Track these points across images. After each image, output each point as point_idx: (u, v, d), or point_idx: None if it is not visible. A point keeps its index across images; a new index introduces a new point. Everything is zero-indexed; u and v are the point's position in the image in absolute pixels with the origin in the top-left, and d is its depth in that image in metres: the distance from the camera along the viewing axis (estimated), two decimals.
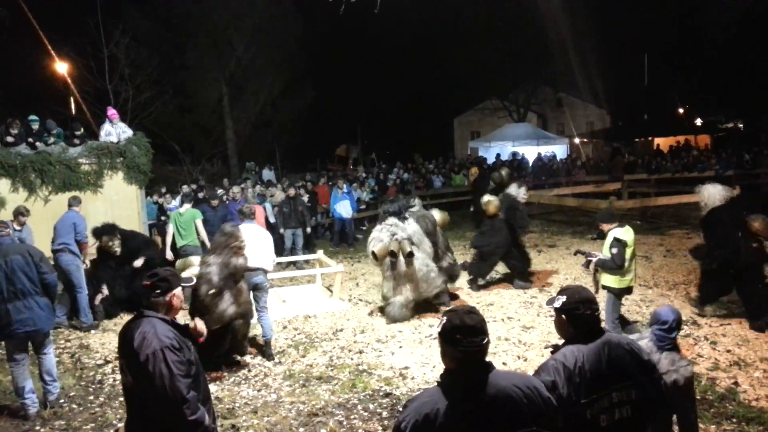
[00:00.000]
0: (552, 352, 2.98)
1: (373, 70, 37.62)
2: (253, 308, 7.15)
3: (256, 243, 7.23)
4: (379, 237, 8.28)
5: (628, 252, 6.49)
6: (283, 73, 27.46)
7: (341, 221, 14.20)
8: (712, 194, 7.67)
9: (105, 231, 8.88)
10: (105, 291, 8.88)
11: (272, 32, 26.50)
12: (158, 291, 3.27)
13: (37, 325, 5.58)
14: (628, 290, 6.75)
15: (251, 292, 7.20)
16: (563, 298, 2.97)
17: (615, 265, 6.46)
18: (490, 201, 9.48)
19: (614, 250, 6.46)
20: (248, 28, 25.69)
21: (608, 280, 6.65)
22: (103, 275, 8.89)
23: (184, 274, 5.95)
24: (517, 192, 10.00)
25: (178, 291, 3.35)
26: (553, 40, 28.69)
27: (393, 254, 8.13)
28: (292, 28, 27.24)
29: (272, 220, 12.33)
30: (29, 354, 5.77)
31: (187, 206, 10.34)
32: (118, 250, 8.84)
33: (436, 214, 9.21)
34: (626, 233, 6.59)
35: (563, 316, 2.96)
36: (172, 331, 3.20)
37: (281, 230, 12.28)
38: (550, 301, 3.06)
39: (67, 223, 8.33)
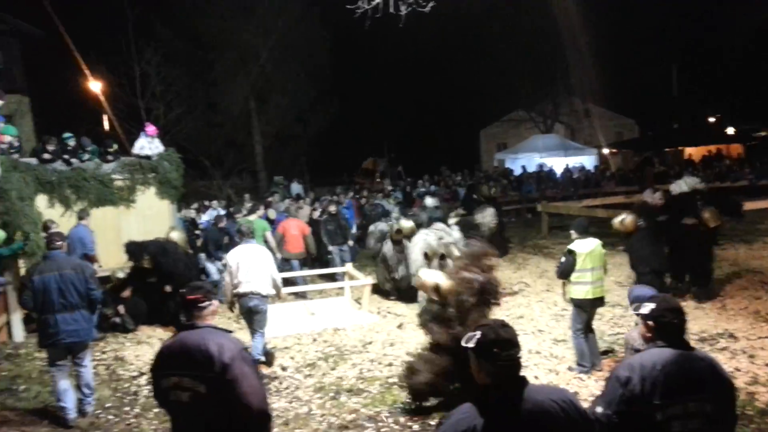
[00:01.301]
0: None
1: (399, 83, 37.74)
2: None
3: (253, 265, 7.00)
4: (428, 240, 8.70)
5: (579, 263, 6.36)
6: (310, 88, 27.77)
7: None
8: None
9: (132, 254, 9.09)
10: (126, 293, 9.10)
11: (299, 47, 26.83)
12: (207, 303, 3.33)
13: (81, 337, 5.79)
14: (590, 302, 6.50)
15: (247, 315, 7.08)
16: (651, 306, 3.04)
17: (559, 274, 6.58)
18: (625, 218, 8.71)
19: (562, 259, 6.55)
20: (275, 43, 26.05)
21: (570, 290, 6.59)
22: (133, 285, 9.13)
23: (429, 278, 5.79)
24: (653, 197, 9.73)
25: (216, 300, 3.45)
26: (580, 51, 28.49)
27: (443, 257, 8.51)
28: (319, 43, 27.55)
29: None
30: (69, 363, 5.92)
31: (254, 216, 10.96)
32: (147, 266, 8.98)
33: (404, 224, 10.16)
34: (583, 245, 6.48)
35: (650, 322, 3.02)
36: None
37: (330, 248, 12.11)
38: (636, 307, 3.13)
39: (74, 239, 8.69)
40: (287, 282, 9.81)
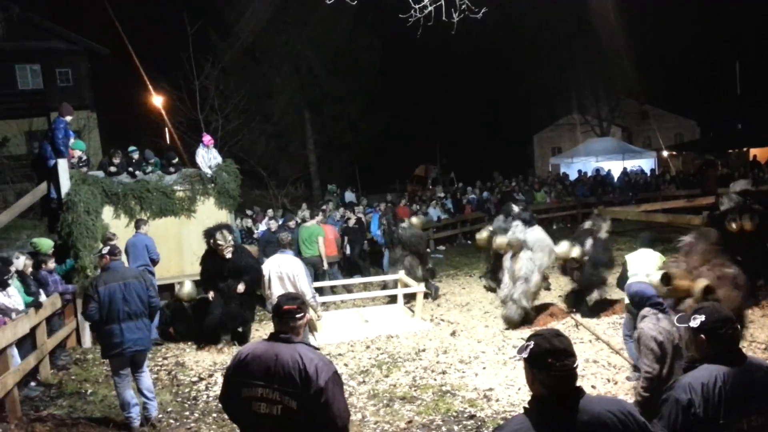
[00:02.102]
0: (685, 370, 2.92)
1: (451, 89, 37.69)
2: None
3: (284, 276, 6.80)
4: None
5: (632, 270, 6.62)
6: (363, 96, 28.04)
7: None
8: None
9: (221, 226, 8.54)
10: (212, 295, 8.74)
11: (351, 57, 27.18)
12: (301, 315, 3.25)
13: (144, 345, 5.92)
14: None
15: None
16: (702, 318, 2.90)
17: (618, 284, 6.98)
18: (747, 215, 8.35)
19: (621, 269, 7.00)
20: (328, 54, 26.47)
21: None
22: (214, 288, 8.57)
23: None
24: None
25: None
26: (637, 51, 27.73)
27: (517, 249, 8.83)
28: (371, 52, 27.83)
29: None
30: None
31: (312, 222, 11.70)
32: (230, 249, 8.22)
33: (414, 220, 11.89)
34: (634, 255, 6.86)
35: (702, 335, 2.89)
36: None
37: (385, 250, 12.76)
38: (683, 320, 3.00)
39: (139, 247, 9.02)
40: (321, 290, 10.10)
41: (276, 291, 6.75)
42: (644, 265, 6.59)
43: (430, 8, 6.28)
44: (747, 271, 8.44)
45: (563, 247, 8.91)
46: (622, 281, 6.69)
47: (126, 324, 5.74)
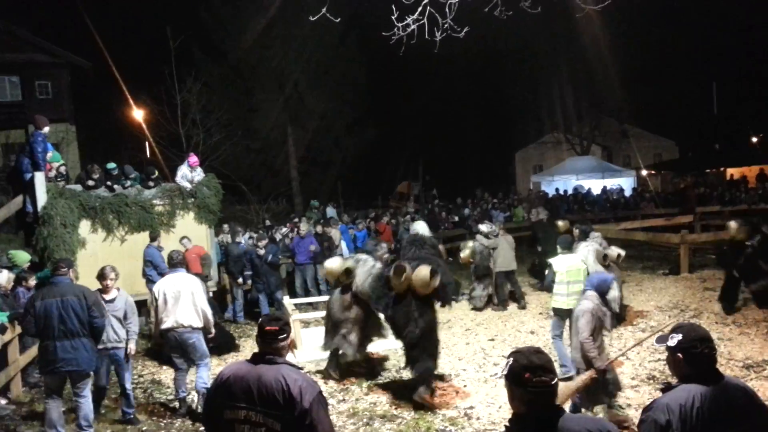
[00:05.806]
0: (663, 391, 2.89)
1: (435, 107, 37.97)
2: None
3: (180, 296, 6.28)
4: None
5: (558, 277, 7.23)
6: (346, 113, 28.10)
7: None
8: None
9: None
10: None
11: (335, 73, 27.24)
12: (284, 336, 3.21)
13: (81, 366, 5.64)
14: (568, 312, 6.98)
15: (178, 351, 6.47)
16: (679, 336, 2.87)
17: (545, 286, 7.48)
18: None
19: (546, 272, 7.49)
20: (312, 69, 26.51)
21: (553, 301, 7.43)
22: None
23: None
24: None
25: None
26: (615, 71, 28.20)
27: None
28: (355, 69, 27.93)
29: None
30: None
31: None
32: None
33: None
34: (560, 261, 7.31)
35: (679, 354, 2.86)
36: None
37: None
38: (662, 339, 2.96)
39: (145, 259, 9.66)
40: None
41: (171, 311, 6.28)
42: (567, 266, 7.31)
43: (413, 26, 6.32)
44: None
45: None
46: (547, 280, 7.41)
47: (61, 342, 5.52)
